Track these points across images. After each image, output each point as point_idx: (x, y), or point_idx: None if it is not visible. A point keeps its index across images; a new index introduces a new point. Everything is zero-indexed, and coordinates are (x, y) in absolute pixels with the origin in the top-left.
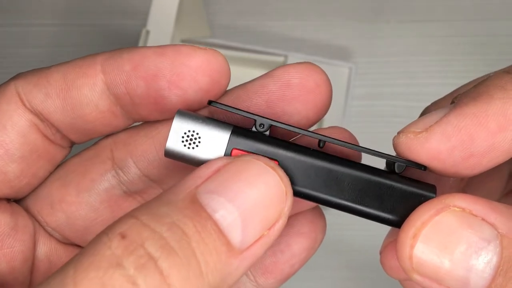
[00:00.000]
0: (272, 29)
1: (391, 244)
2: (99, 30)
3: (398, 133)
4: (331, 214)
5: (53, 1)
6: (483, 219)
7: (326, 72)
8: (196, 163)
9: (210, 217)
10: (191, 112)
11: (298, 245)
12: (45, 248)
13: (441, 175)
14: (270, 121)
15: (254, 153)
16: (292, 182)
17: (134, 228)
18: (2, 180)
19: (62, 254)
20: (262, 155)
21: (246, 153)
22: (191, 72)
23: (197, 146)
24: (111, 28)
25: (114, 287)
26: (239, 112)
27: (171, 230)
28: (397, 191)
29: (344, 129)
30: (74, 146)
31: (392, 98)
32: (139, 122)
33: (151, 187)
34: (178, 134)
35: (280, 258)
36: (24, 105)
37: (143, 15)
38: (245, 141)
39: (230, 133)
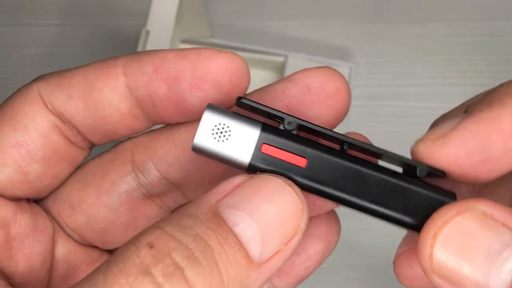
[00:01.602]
0: (272, 29)
1: (405, 253)
2: (99, 30)
3: (416, 142)
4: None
5: (53, 1)
6: (504, 225)
7: None
8: (224, 157)
9: (231, 230)
10: (221, 106)
11: (313, 247)
12: (64, 249)
13: (461, 181)
14: (299, 120)
15: (282, 149)
16: (319, 182)
17: (161, 238)
18: (24, 180)
19: (80, 255)
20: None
21: (275, 148)
22: (212, 74)
23: (227, 139)
24: (111, 28)
25: None
26: (269, 110)
27: (195, 241)
28: (419, 195)
29: (361, 134)
30: (94, 148)
31: (392, 98)
32: (159, 124)
33: (171, 189)
34: (208, 127)
35: (296, 260)
36: (46, 106)
37: (143, 15)
38: (275, 137)
39: (260, 128)
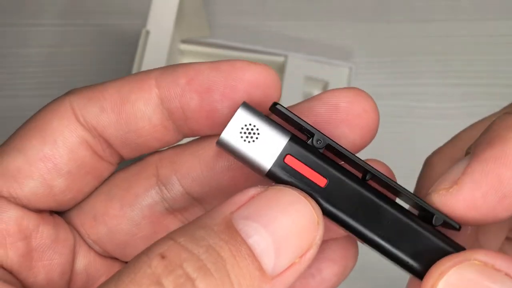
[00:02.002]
0: (272, 29)
1: None
2: (99, 30)
3: (429, 193)
4: None
5: (53, 1)
6: (506, 274)
7: (326, 72)
8: (246, 158)
9: (244, 242)
10: (255, 108)
11: (328, 270)
12: (84, 261)
13: (480, 224)
14: (328, 139)
15: (305, 164)
16: (334, 205)
17: (173, 249)
18: (48, 193)
19: (100, 267)
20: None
21: (298, 161)
22: (244, 85)
23: (253, 141)
24: (111, 28)
25: None
26: (301, 122)
27: (207, 253)
28: (430, 242)
29: (385, 165)
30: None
31: (392, 98)
32: (189, 137)
33: (193, 205)
34: (238, 125)
35: (311, 282)
36: (78, 120)
37: (143, 15)
38: (301, 150)
39: (289, 138)
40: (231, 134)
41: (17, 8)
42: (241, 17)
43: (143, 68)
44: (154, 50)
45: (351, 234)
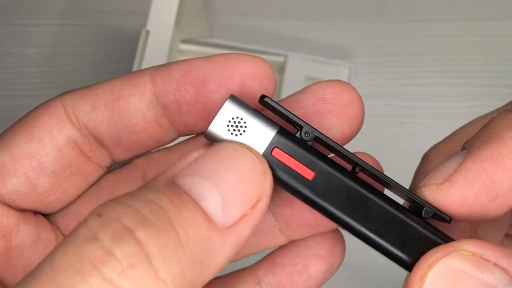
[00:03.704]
0: (272, 29)
1: None
2: (99, 30)
3: (419, 187)
4: None
5: (53, 1)
6: (495, 264)
7: (326, 72)
8: None
9: (187, 194)
10: (242, 100)
11: (315, 267)
12: None
13: (470, 221)
14: (317, 132)
15: (293, 157)
16: (322, 198)
17: (110, 206)
18: (31, 192)
19: None
20: (301, 162)
21: (286, 154)
22: (241, 75)
23: (240, 134)
24: (111, 28)
25: (90, 259)
26: (289, 114)
27: (147, 206)
28: (420, 235)
29: (372, 157)
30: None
31: (392, 98)
32: (184, 136)
33: None
34: (226, 118)
35: (297, 279)
36: (69, 118)
37: (143, 15)
38: (289, 143)
39: (276, 131)
40: (218, 127)
41: (17, 8)
42: (241, 17)
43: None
44: (154, 50)
45: (339, 227)
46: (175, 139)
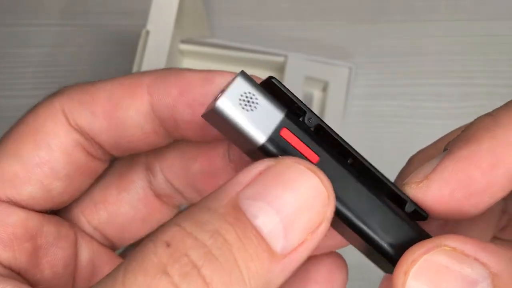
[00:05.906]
0: (272, 29)
1: None
2: (99, 30)
3: (402, 185)
4: None
5: (53, 1)
6: (475, 259)
7: (326, 72)
8: (242, 128)
9: (250, 223)
10: (252, 78)
11: None
12: (87, 253)
13: (451, 219)
14: (319, 120)
15: (300, 139)
16: None
17: (178, 236)
18: (46, 197)
19: (104, 257)
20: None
21: (293, 135)
22: None
23: (252, 110)
24: (111, 28)
25: None
26: (295, 99)
27: (213, 238)
28: (402, 228)
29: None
30: None
31: (392, 98)
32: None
33: (176, 193)
34: (238, 92)
35: None
36: (70, 123)
37: (143, 15)
38: (295, 126)
39: (285, 112)
40: (230, 101)
41: (17, 8)
42: (241, 17)
43: (143, 69)
44: (154, 50)
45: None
46: (172, 141)
